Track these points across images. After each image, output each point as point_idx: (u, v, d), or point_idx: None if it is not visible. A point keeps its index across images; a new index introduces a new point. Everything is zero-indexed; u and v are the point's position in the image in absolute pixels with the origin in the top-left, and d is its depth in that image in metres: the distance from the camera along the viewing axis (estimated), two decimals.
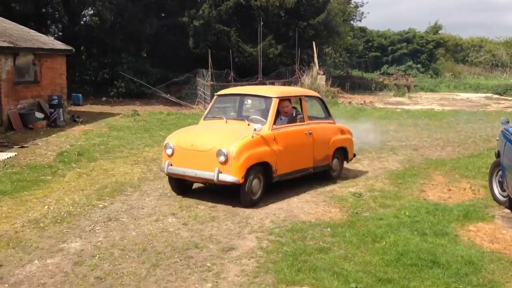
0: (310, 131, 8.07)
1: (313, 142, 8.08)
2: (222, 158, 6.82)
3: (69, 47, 16.88)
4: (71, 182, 8.35)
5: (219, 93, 8.84)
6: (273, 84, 23.27)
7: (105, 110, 19.52)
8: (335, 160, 8.76)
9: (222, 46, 27.26)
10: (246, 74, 25.14)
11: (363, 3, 40.48)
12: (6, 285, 4.66)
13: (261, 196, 7.27)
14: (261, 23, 26.36)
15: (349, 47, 41.50)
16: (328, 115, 8.91)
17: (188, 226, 6.32)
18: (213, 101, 8.56)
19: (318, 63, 27.45)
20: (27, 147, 11.22)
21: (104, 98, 23.22)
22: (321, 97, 9.49)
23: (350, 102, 24.99)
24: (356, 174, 9.41)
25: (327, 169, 8.60)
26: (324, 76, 26.82)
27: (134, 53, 25.97)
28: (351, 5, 39.80)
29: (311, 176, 8.39)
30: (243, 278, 4.89)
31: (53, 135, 13.02)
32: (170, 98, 22.91)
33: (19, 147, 11.08)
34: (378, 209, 7.19)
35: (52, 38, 19.67)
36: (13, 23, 16.28)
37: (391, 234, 6.00)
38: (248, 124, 7.46)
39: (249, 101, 9.23)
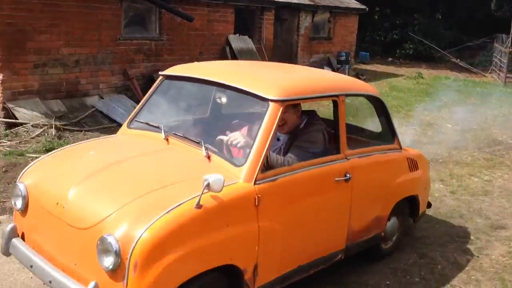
0: (348, 174, 3.57)
1: (351, 196, 3.66)
2: (107, 262, 2.57)
3: (363, 6, 17.35)
4: None
5: (168, 72, 3.94)
6: None
7: (389, 71, 19.54)
8: (392, 221, 4.23)
9: None
10: None
11: None
12: None
13: None
14: None
15: None
16: (390, 132, 4.24)
17: (456, 195, 6.00)
18: (153, 87, 3.95)
19: None
20: None
21: (390, 59, 23.27)
22: (378, 96, 4.13)
23: None
24: None
25: (374, 243, 4.09)
26: None
27: (428, 14, 24.99)
28: None
29: None
30: (509, 259, 4.41)
31: None
32: (460, 63, 21.42)
33: None
34: None
35: None
36: None
37: None
38: (208, 157, 3.15)
39: (224, 99, 3.88)
